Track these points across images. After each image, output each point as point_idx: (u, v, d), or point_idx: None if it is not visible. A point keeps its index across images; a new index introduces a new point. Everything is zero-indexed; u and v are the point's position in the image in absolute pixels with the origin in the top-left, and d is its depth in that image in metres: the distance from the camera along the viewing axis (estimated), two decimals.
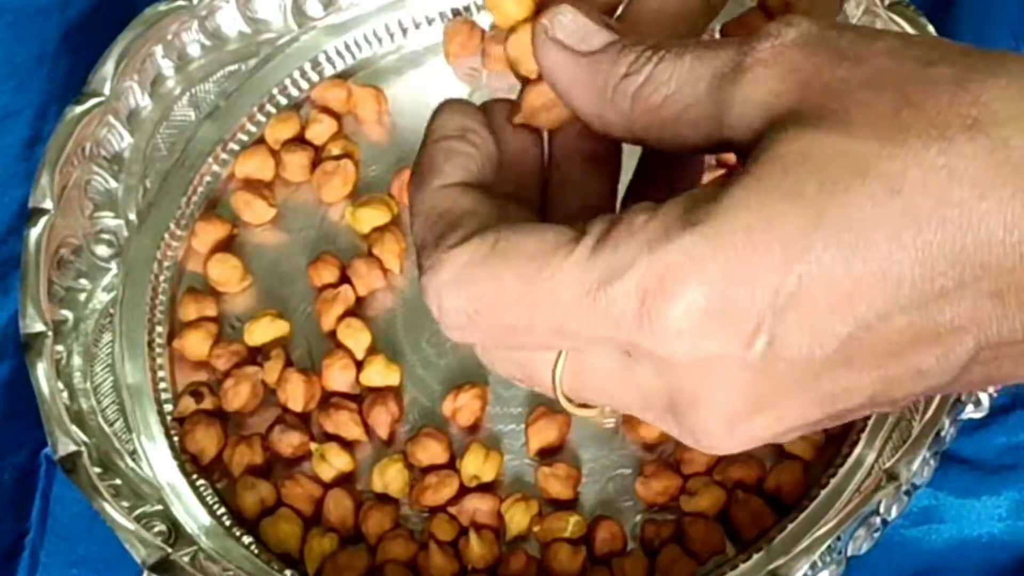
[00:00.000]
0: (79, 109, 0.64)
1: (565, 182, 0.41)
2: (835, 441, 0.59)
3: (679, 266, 0.34)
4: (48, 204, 0.62)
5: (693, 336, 0.34)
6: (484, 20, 0.71)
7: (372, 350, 0.63)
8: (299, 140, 0.69)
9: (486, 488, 0.60)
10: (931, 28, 0.62)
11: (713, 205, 0.34)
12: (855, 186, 0.33)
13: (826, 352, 0.34)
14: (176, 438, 0.61)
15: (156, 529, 0.57)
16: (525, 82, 0.41)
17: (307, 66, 0.70)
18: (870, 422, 0.58)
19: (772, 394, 0.35)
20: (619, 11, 0.41)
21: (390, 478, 0.60)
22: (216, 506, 0.60)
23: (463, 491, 0.60)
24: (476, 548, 0.58)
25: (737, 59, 0.36)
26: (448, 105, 0.41)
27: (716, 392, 0.35)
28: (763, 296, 0.33)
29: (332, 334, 0.64)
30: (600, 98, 0.38)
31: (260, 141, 0.69)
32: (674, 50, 0.37)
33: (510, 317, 0.36)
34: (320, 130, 0.68)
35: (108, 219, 0.65)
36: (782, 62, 0.35)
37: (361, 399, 0.62)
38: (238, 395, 0.62)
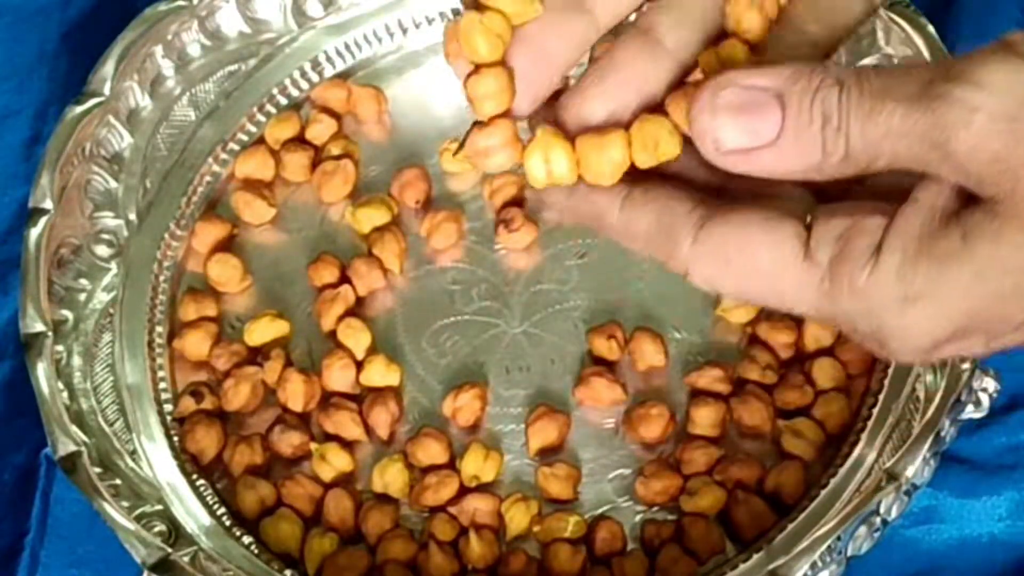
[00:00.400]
0: (79, 109, 0.64)
1: None
2: (835, 441, 0.59)
3: (899, 332, 0.37)
4: (48, 204, 0.62)
5: (924, 357, 0.38)
6: None
7: (372, 350, 0.63)
8: (299, 140, 0.69)
9: (486, 488, 0.60)
10: (931, 28, 0.62)
11: (927, 280, 0.36)
12: None
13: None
14: (176, 438, 0.61)
15: (156, 529, 0.57)
16: (474, 124, 0.43)
17: (307, 66, 0.70)
18: (870, 422, 0.58)
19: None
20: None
21: (390, 478, 0.60)
22: (216, 506, 0.60)
23: (463, 491, 0.60)
24: (476, 548, 0.58)
25: (941, 135, 0.36)
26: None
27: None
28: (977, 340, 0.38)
29: (332, 334, 0.64)
30: (810, 171, 0.38)
31: (260, 141, 0.69)
32: (864, 103, 0.37)
33: (754, 296, 0.40)
34: (320, 130, 0.68)
35: (108, 219, 0.65)
36: (983, 154, 0.36)
37: (361, 399, 0.62)
38: (238, 395, 0.62)
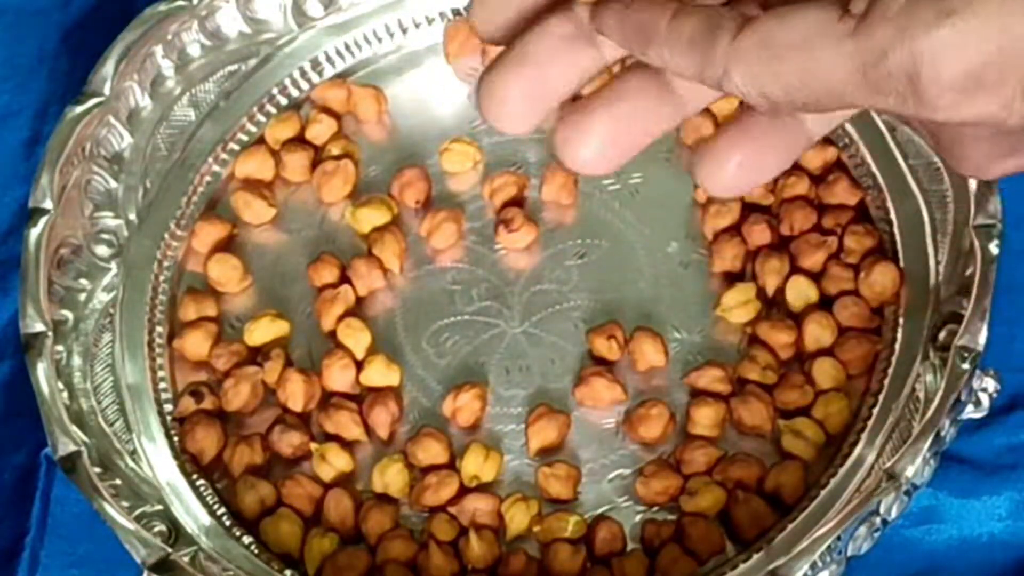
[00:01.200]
0: (79, 109, 0.64)
1: None
2: (835, 441, 0.59)
3: (936, 51, 0.35)
4: (48, 204, 0.62)
5: (957, 106, 0.36)
6: None
7: (372, 350, 0.63)
8: (299, 140, 0.69)
9: (486, 488, 0.60)
10: None
11: None
12: None
13: None
14: (176, 438, 0.61)
15: (156, 529, 0.57)
16: None
17: (307, 66, 0.70)
18: (870, 422, 0.58)
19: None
20: None
21: (390, 478, 0.60)
22: (216, 506, 0.60)
23: (463, 491, 0.60)
24: (476, 548, 0.58)
25: None
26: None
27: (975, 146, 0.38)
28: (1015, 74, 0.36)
29: (332, 334, 0.64)
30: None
31: (260, 141, 0.69)
32: None
33: (795, 91, 0.38)
34: (320, 130, 0.68)
35: (108, 219, 0.65)
36: None
37: (361, 399, 0.62)
38: (238, 395, 0.62)
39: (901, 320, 0.60)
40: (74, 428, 0.58)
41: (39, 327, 0.60)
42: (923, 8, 0.36)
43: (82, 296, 0.63)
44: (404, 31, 0.71)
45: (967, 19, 0.35)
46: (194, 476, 0.60)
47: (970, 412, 0.58)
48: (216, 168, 0.68)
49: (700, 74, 0.39)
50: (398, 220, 0.66)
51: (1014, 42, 0.35)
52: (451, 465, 0.60)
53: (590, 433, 0.61)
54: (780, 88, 0.38)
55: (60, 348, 0.60)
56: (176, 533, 0.57)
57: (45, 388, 0.59)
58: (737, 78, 0.38)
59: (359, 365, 0.63)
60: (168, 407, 0.62)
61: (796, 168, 0.65)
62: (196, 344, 0.63)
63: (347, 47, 0.70)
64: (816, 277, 0.62)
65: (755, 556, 0.56)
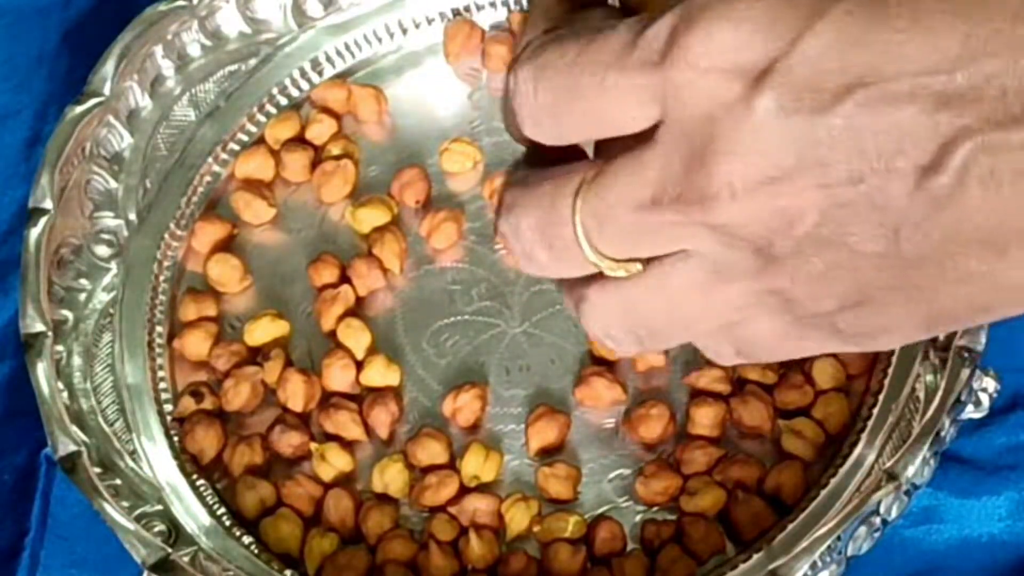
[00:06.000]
0: (79, 109, 0.64)
1: None
2: (835, 441, 0.59)
3: (705, 7, 0.36)
4: (48, 204, 0.62)
5: (713, 72, 0.36)
6: (484, 20, 0.71)
7: (372, 350, 0.63)
8: (299, 140, 0.69)
9: (486, 488, 0.60)
10: None
11: None
12: None
13: (826, 102, 0.35)
14: (176, 438, 0.61)
15: (156, 529, 0.57)
16: None
17: (307, 66, 0.70)
18: (870, 422, 0.58)
19: (781, 153, 0.36)
20: None
21: (390, 478, 0.60)
22: (216, 506, 0.60)
23: (463, 491, 0.60)
24: (476, 548, 0.58)
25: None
26: None
27: (730, 142, 0.37)
28: (778, 44, 0.35)
29: (332, 334, 0.64)
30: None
31: (260, 141, 0.69)
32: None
33: (565, 79, 0.39)
34: (320, 130, 0.68)
35: (108, 219, 0.65)
36: None
37: (361, 399, 0.62)
38: (238, 395, 0.62)
39: None
40: (74, 428, 0.58)
41: (39, 327, 0.60)
42: None
43: (82, 296, 0.63)
44: (404, 31, 0.71)
45: None
46: (194, 476, 0.60)
47: (970, 412, 0.58)
48: (216, 168, 0.68)
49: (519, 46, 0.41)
50: (398, 220, 0.66)
51: None
52: (451, 465, 0.60)
53: (590, 433, 0.61)
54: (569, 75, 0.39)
55: (60, 348, 0.60)
56: (176, 533, 0.57)
57: (45, 388, 0.59)
58: (523, 87, 0.40)
59: (359, 365, 0.63)
60: (168, 407, 0.62)
61: None
62: (196, 344, 0.63)
63: (347, 47, 0.70)
64: None
65: (755, 556, 0.56)
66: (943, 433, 0.56)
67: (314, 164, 0.68)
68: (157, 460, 0.60)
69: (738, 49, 0.36)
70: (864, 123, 0.35)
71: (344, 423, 0.61)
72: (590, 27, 0.39)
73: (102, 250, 0.64)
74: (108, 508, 0.56)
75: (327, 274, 0.65)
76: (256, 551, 0.58)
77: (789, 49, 0.35)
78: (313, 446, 0.60)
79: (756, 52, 0.36)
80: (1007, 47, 0.34)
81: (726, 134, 0.36)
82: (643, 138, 0.38)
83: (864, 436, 0.58)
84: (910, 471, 0.54)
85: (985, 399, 0.58)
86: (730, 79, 0.36)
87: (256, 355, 0.63)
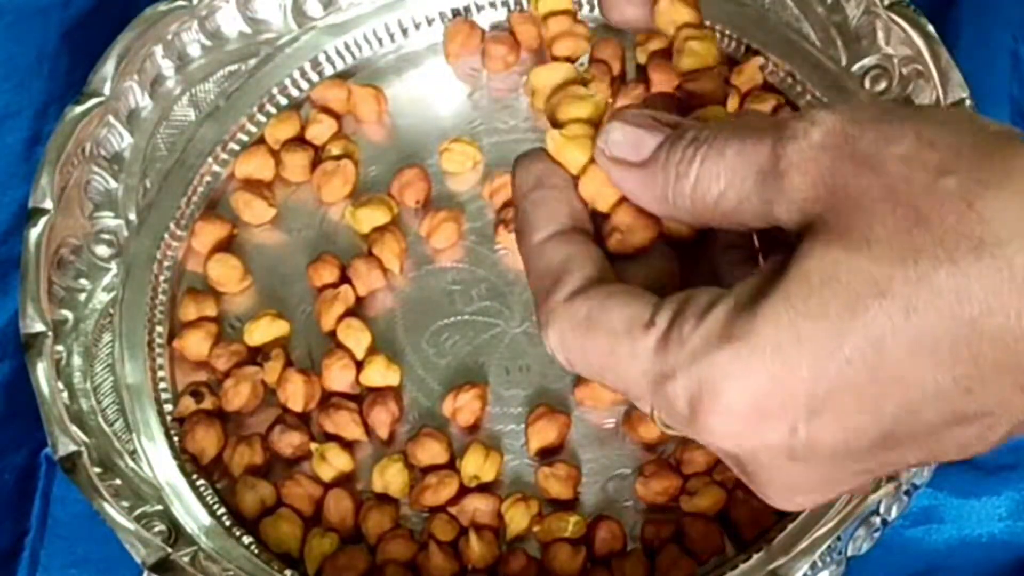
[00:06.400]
0: (79, 109, 0.64)
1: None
2: None
3: (717, 380, 0.37)
4: (48, 204, 0.62)
5: (736, 437, 0.38)
6: (484, 20, 0.71)
7: (372, 350, 0.63)
8: (299, 140, 0.69)
9: (486, 488, 0.60)
10: (931, 28, 0.62)
11: (749, 320, 0.37)
12: (874, 307, 0.36)
13: (862, 443, 0.37)
14: (176, 438, 0.61)
15: (156, 529, 0.57)
16: (604, 216, 0.43)
17: (307, 66, 0.70)
18: None
19: (820, 476, 0.39)
20: None
21: (390, 478, 0.60)
22: (216, 506, 0.60)
23: (463, 491, 0.60)
24: (476, 548, 0.58)
25: (773, 159, 0.38)
26: (522, 159, 0.44)
27: (768, 474, 0.39)
28: (795, 405, 0.37)
29: (332, 334, 0.64)
30: (664, 201, 0.41)
31: (260, 141, 0.69)
32: (715, 145, 0.39)
33: (596, 375, 0.41)
34: (320, 130, 0.68)
35: (108, 219, 0.65)
36: (811, 169, 0.38)
37: (361, 399, 0.62)
38: (238, 395, 0.62)
39: None
40: (74, 428, 0.58)
41: (39, 327, 0.60)
42: (710, 335, 0.37)
43: (82, 296, 0.63)
44: (404, 31, 0.71)
45: (748, 347, 0.37)
46: (194, 476, 0.60)
47: None
48: (216, 168, 0.68)
49: (535, 305, 0.42)
50: (398, 220, 0.66)
51: (792, 372, 0.37)
52: (451, 465, 0.60)
53: (590, 433, 0.61)
54: (581, 362, 0.40)
55: (60, 348, 0.60)
56: (176, 533, 0.57)
57: (45, 388, 0.59)
58: (551, 336, 0.41)
59: (359, 365, 0.63)
60: (168, 407, 0.62)
61: None
62: (196, 344, 0.63)
63: (347, 47, 0.70)
64: None
65: (755, 556, 0.56)
66: None
67: (314, 164, 0.68)
68: (157, 460, 0.60)
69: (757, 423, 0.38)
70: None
71: (344, 423, 0.61)
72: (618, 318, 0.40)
73: (102, 250, 0.64)
74: (108, 508, 0.56)
75: (327, 274, 0.65)
76: (256, 551, 0.58)
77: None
78: (313, 446, 0.60)
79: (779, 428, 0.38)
80: None
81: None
82: None
83: None
84: (910, 471, 0.54)
85: None
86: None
87: (256, 355, 0.63)
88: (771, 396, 0.37)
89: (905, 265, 0.35)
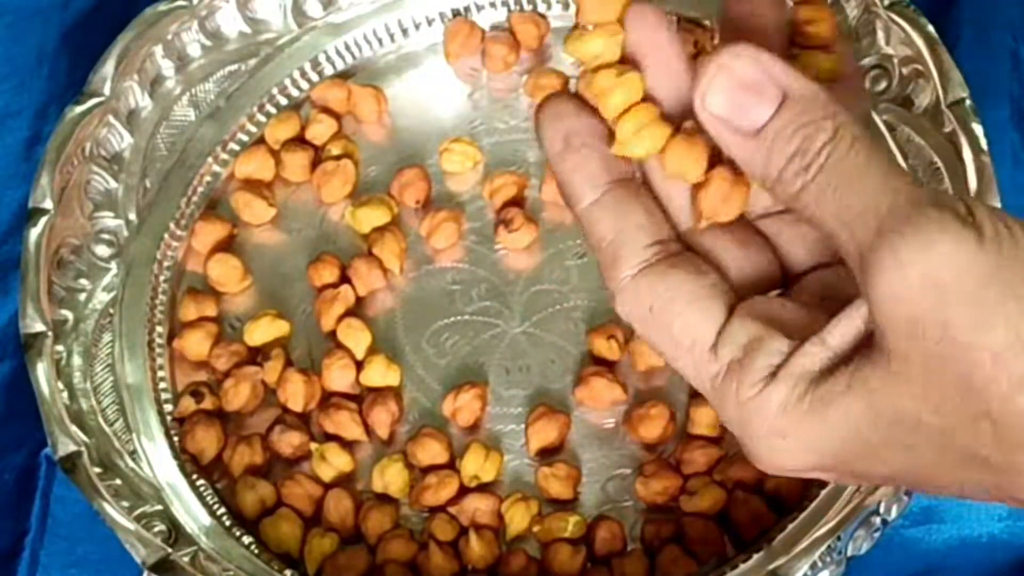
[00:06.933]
0: (79, 109, 0.64)
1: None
2: None
3: (767, 438, 0.39)
4: (48, 204, 0.62)
5: (777, 468, 0.40)
6: (484, 20, 0.71)
7: (372, 350, 0.63)
8: (299, 140, 0.69)
9: (486, 488, 0.60)
10: (931, 28, 0.62)
11: (807, 419, 0.37)
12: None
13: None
14: (176, 438, 0.61)
15: (156, 529, 0.57)
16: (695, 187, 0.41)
17: (307, 66, 0.70)
18: None
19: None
20: None
21: (390, 478, 0.60)
22: (216, 506, 0.60)
23: (463, 491, 0.60)
24: (476, 548, 0.58)
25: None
26: (547, 113, 0.42)
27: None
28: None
29: (332, 334, 0.64)
30: (766, 176, 0.38)
31: (260, 141, 0.69)
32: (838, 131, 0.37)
33: (661, 356, 0.41)
34: (320, 130, 0.68)
35: (108, 219, 0.65)
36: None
37: (361, 399, 0.62)
38: (238, 395, 0.62)
39: None
40: (74, 428, 0.58)
41: (39, 327, 0.60)
42: (766, 417, 0.38)
43: (82, 296, 0.63)
44: (404, 31, 0.71)
45: (802, 443, 0.38)
46: (194, 476, 0.60)
47: None
48: (216, 168, 0.68)
49: (602, 273, 0.41)
50: (398, 220, 0.66)
51: (847, 455, 0.38)
52: (451, 465, 0.60)
53: (590, 433, 0.61)
54: (648, 340, 0.40)
55: (60, 348, 0.60)
56: (176, 533, 0.57)
57: (45, 388, 0.59)
58: (620, 306, 0.40)
59: (359, 365, 0.63)
60: (168, 407, 0.62)
61: None
62: (196, 344, 0.63)
63: (347, 47, 0.70)
64: None
65: (755, 556, 0.56)
66: None
67: (314, 164, 0.68)
68: (157, 460, 0.60)
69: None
70: None
71: (344, 423, 0.61)
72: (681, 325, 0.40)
73: (102, 250, 0.64)
74: (108, 508, 0.56)
75: (327, 274, 0.65)
76: (256, 551, 0.58)
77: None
78: (313, 446, 0.60)
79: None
80: None
81: None
82: None
83: None
84: None
85: None
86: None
87: (256, 355, 0.63)
88: (817, 469, 0.39)
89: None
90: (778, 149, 0.37)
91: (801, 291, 0.41)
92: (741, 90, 0.37)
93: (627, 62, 0.40)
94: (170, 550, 0.56)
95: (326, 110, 0.69)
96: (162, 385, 0.63)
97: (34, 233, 0.61)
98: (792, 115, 0.37)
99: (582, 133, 0.41)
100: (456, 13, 0.71)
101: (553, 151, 0.41)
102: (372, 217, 0.66)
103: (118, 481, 0.58)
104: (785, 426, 0.38)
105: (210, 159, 0.68)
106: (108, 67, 0.65)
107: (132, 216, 0.65)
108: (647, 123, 0.40)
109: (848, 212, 0.36)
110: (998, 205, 0.58)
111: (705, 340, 0.39)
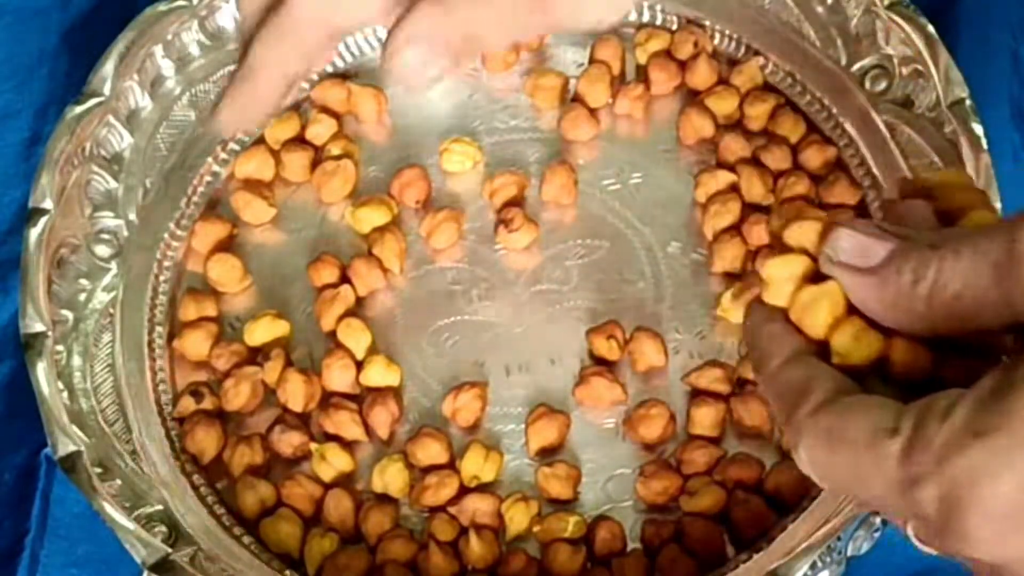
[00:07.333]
0: (79, 109, 0.64)
1: None
2: None
3: (969, 479, 0.36)
4: (48, 204, 0.62)
5: (996, 543, 0.37)
6: None
7: (372, 350, 0.63)
8: (299, 140, 0.69)
9: (486, 488, 0.60)
10: (931, 28, 0.62)
11: (998, 412, 0.36)
12: None
13: None
14: (176, 438, 0.61)
15: (156, 529, 0.57)
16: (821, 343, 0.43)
17: None
18: None
19: None
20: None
21: (390, 478, 0.60)
22: (216, 506, 0.60)
23: (463, 491, 0.60)
24: (476, 548, 0.58)
25: (1008, 246, 0.38)
26: (750, 307, 0.46)
27: None
28: None
29: (332, 334, 0.64)
30: (896, 307, 0.41)
31: (260, 141, 0.69)
32: (951, 247, 0.40)
33: (846, 489, 0.41)
34: (320, 130, 0.68)
35: (108, 219, 0.65)
36: None
37: (361, 399, 0.62)
38: (238, 395, 0.62)
39: None
40: (74, 428, 0.58)
41: (39, 327, 0.60)
42: (957, 433, 0.36)
43: (82, 296, 0.63)
44: None
45: (1004, 436, 0.35)
46: (194, 476, 0.60)
47: None
48: (216, 168, 0.68)
49: (781, 425, 0.42)
50: (398, 220, 0.66)
51: None
52: (451, 465, 0.60)
53: (590, 433, 0.61)
54: (830, 477, 0.40)
55: (60, 348, 0.60)
56: (176, 533, 0.57)
57: (45, 388, 0.59)
58: (803, 452, 0.41)
59: (359, 365, 0.63)
60: (168, 407, 0.62)
61: (796, 168, 0.65)
62: (196, 344, 0.63)
63: (347, 47, 0.70)
64: None
65: (755, 556, 0.56)
66: None
67: (314, 164, 0.68)
68: (157, 460, 0.60)
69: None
70: None
71: (344, 423, 0.61)
72: (867, 423, 0.40)
73: (102, 250, 0.64)
74: (108, 508, 0.56)
75: (327, 274, 0.65)
76: (256, 551, 0.58)
77: None
78: (313, 446, 0.60)
79: None
80: None
81: None
82: None
83: None
84: None
85: None
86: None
87: (256, 355, 0.63)
88: None
89: None
90: (898, 280, 0.40)
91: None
92: (862, 236, 0.41)
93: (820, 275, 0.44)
94: (170, 550, 0.56)
95: (326, 110, 0.69)
96: (162, 385, 0.63)
97: (34, 233, 0.61)
98: (909, 244, 0.40)
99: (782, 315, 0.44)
100: None
101: (752, 326, 0.45)
102: (372, 217, 0.66)
103: (118, 481, 0.58)
104: (980, 426, 0.36)
105: (210, 159, 0.68)
106: (108, 67, 0.65)
107: (132, 216, 0.65)
108: (859, 331, 0.43)
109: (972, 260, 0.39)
110: (998, 205, 0.58)
111: (885, 425, 0.39)
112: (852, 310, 0.43)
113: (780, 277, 0.44)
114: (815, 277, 0.43)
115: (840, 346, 0.43)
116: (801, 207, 0.45)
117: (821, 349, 0.43)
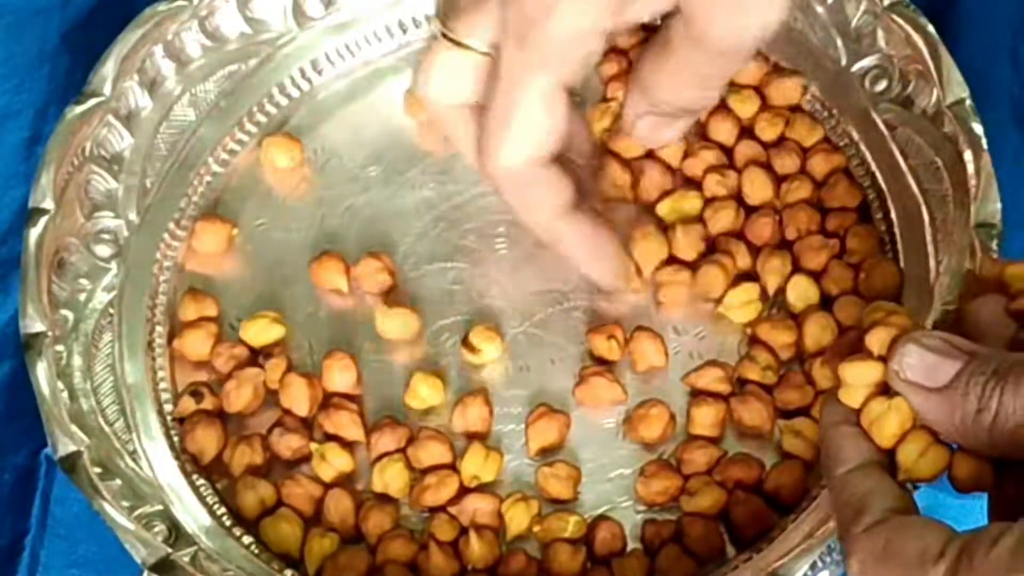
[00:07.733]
0: (79, 109, 0.64)
1: None
2: None
3: None
4: (48, 204, 0.62)
5: None
6: None
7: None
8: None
9: (486, 488, 0.60)
10: (931, 28, 0.62)
11: None
12: None
13: None
14: (176, 438, 0.61)
15: (156, 529, 0.57)
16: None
17: (307, 66, 0.70)
18: None
19: None
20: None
21: (390, 478, 0.60)
22: (216, 506, 0.60)
23: (463, 491, 0.60)
24: (476, 548, 0.58)
25: None
26: (828, 400, 0.48)
27: None
28: None
29: (332, 336, 0.63)
30: (960, 430, 0.43)
31: (259, 143, 0.69)
32: (1014, 376, 0.42)
33: None
34: None
35: (108, 219, 0.65)
36: None
37: (361, 399, 0.62)
38: (240, 398, 0.62)
39: None
40: (74, 428, 0.58)
41: (39, 327, 0.60)
42: (999, 563, 0.38)
43: (82, 296, 0.63)
44: (404, 31, 0.71)
45: None
46: (194, 476, 0.60)
47: None
48: (216, 168, 0.68)
49: (838, 533, 0.45)
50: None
51: None
52: (451, 465, 0.60)
53: (590, 433, 0.61)
54: None
55: (60, 348, 0.60)
56: (176, 533, 0.57)
57: (45, 388, 0.59)
58: (854, 565, 0.43)
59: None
60: (168, 407, 0.62)
61: (801, 173, 0.64)
62: (196, 344, 0.63)
63: (347, 47, 0.70)
64: (817, 277, 0.62)
65: (755, 556, 0.56)
66: None
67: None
68: (157, 460, 0.60)
69: None
70: None
71: (344, 423, 0.61)
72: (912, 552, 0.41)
73: (102, 250, 0.64)
74: (108, 508, 0.56)
75: (327, 274, 0.65)
76: (256, 551, 0.58)
77: None
78: (313, 446, 0.60)
79: None
80: None
81: None
82: None
83: None
84: None
85: None
86: None
87: (257, 356, 0.63)
88: None
89: None
90: (963, 405, 0.42)
91: None
92: (932, 353, 0.43)
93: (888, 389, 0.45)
94: (170, 550, 0.56)
95: None
96: (162, 385, 0.63)
97: (34, 233, 0.61)
98: (974, 366, 0.42)
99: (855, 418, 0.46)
100: None
101: (828, 421, 0.47)
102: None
103: (118, 481, 0.58)
104: (1019, 565, 0.38)
105: (210, 159, 0.68)
106: (108, 67, 0.65)
107: (132, 216, 0.65)
108: (925, 446, 0.45)
109: None
110: (998, 205, 0.58)
111: (934, 549, 0.40)
112: (920, 423, 0.44)
113: (856, 382, 0.46)
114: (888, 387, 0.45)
115: (906, 461, 0.45)
116: (879, 319, 0.46)
117: (889, 457, 0.45)
